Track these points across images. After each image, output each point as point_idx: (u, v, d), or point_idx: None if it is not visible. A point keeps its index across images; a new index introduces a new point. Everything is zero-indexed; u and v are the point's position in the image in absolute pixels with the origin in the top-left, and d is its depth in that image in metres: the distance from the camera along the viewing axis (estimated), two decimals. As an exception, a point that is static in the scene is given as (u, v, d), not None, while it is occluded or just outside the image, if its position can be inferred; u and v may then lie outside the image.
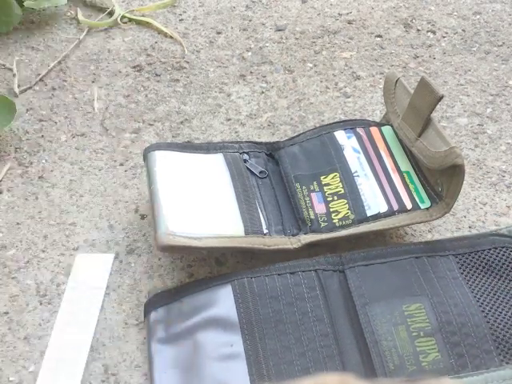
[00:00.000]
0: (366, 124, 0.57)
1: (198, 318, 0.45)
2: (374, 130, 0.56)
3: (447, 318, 0.45)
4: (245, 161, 0.55)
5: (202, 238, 0.47)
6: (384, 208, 0.50)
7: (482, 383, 0.42)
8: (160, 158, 0.53)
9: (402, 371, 0.42)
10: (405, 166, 0.53)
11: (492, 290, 0.47)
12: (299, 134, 0.58)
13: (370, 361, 0.43)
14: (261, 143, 0.57)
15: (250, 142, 0.57)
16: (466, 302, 0.46)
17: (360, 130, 0.56)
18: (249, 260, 0.51)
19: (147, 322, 0.46)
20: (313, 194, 0.52)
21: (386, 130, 0.56)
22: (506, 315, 0.45)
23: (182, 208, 0.49)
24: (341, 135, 0.56)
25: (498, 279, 0.47)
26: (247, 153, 0.56)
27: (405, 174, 0.52)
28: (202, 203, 0.50)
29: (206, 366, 0.42)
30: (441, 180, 0.50)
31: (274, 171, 0.55)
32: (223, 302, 0.45)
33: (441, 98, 0.49)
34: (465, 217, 0.54)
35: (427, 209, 0.50)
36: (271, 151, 0.57)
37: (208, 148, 0.55)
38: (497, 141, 0.61)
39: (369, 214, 0.50)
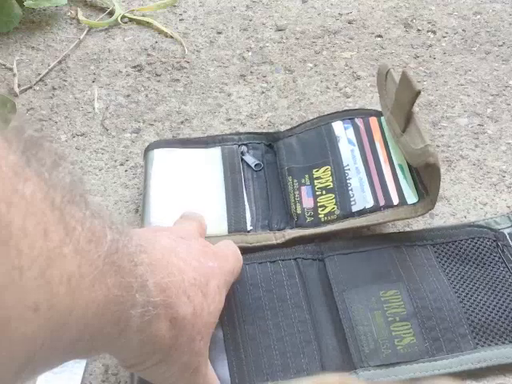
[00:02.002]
0: (366, 114, 0.57)
1: None
2: (372, 120, 0.56)
3: (423, 304, 0.45)
4: (242, 153, 0.55)
5: None
6: (370, 203, 0.50)
7: (456, 366, 0.43)
8: (157, 157, 0.53)
9: (377, 355, 0.43)
10: (398, 158, 0.52)
11: (468, 277, 0.48)
12: (299, 124, 0.57)
13: (346, 345, 0.44)
14: (261, 133, 0.57)
15: (249, 133, 0.57)
16: (443, 288, 0.46)
17: (358, 121, 0.56)
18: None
19: None
20: (303, 188, 0.52)
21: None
22: (481, 301, 0.46)
23: (170, 209, 0.49)
24: (338, 126, 0.56)
25: (475, 267, 0.48)
26: (246, 144, 0.56)
27: (397, 168, 0.52)
28: (191, 204, 0.51)
29: None
30: (424, 176, 0.50)
31: (271, 163, 0.55)
32: None
33: (418, 92, 0.48)
34: (465, 217, 0.54)
35: (414, 204, 0.49)
36: (271, 141, 0.57)
37: (207, 142, 0.56)
38: (497, 141, 0.61)
39: (354, 209, 0.50)
